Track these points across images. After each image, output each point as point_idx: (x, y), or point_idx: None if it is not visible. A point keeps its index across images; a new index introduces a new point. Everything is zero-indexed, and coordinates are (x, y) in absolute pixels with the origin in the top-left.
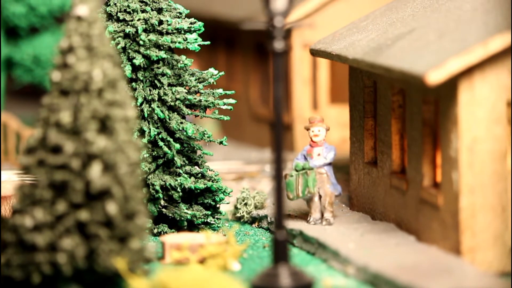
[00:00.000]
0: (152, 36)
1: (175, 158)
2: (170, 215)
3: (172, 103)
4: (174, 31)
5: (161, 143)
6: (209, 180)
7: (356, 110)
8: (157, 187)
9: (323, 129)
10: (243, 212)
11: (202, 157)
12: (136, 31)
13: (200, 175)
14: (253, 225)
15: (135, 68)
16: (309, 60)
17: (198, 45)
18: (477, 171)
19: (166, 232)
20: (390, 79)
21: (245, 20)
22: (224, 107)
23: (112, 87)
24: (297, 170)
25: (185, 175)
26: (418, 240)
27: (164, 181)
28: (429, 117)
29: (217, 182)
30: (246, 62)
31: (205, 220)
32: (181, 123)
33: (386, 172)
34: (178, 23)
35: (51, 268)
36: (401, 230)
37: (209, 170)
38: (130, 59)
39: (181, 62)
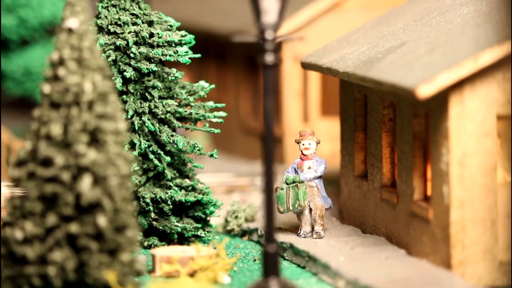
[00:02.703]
0: (143, 49)
1: (166, 171)
2: (160, 228)
3: (163, 116)
4: (165, 44)
5: (151, 156)
6: (199, 193)
7: (347, 123)
8: (148, 200)
9: (314, 142)
10: (233, 225)
11: (192, 170)
12: (127, 44)
13: (190, 188)
14: (244, 238)
15: (126, 81)
16: (300, 73)
17: (189, 58)
18: (467, 185)
19: (156, 245)
20: (381, 92)
21: (236, 33)
22: (215, 120)
23: (102, 100)
24: (287, 183)
25: (176, 188)
26: (409, 253)
27: (155, 194)
28: (420, 130)
29: (207, 195)
30: (236, 75)
31: (196, 233)
32: (172, 136)
33: (376, 186)
34: (169, 36)
35: (41, 280)
36: (392, 243)
37: (200, 183)
38: (121, 72)
39: (171, 74)
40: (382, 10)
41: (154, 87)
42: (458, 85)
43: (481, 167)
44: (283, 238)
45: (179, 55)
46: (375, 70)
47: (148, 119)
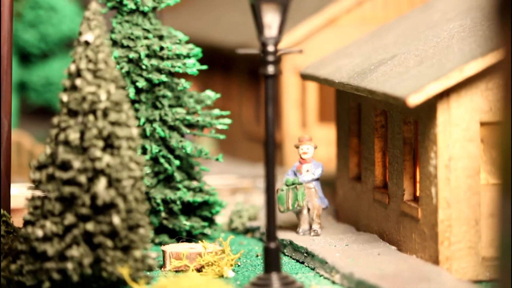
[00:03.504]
0: (154, 61)
1: (175, 174)
2: (170, 226)
3: (172, 123)
4: (174, 57)
5: (162, 160)
6: (206, 194)
7: (342, 130)
8: (158, 201)
9: (312, 147)
10: (237, 224)
11: (199, 173)
12: (139, 57)
13: (198, 189)
14: (247, 236)
15: (138, 91)
16: (299, 83)
17: (197, 69)
18: (453, 187)
19: (166, 242)
20: (373, 101)
21: (240, 46)
22: (220, 126)
23: (116, 108)
24: (287, 185)
25: (184, 189)
26: (399, 250)
27: (165, 195)
28: (409, 136)
29: (213, 196)
30: (240, 85)
31: (203, 231)
32: (181, 141)
33: (369, 187)
34: (178, 49)
35: (60, 275)
36: (384, 240)
37: (206, 184)
38: (133, 82)
39: (180, 85)
40: (375, 25)
41: (164, 96)
42: (445, 95)
43: (466, 170)
44: (283, 235)
45: (187, 67)
46: (368, 81)
47: (159, 126)
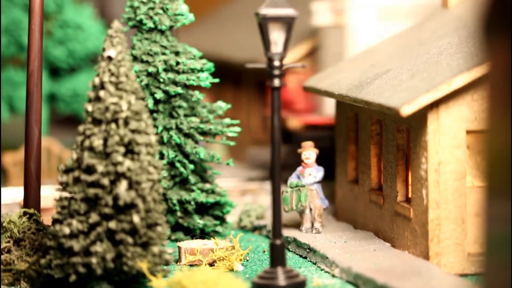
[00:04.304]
0: (171, 75)
1: (190, 177)
2: (185, 224)
3: (187, 131)
4: (189, 71)
5: (178, 164)
6: (218, 195)
7: (341, 137)
8: (175, 201)
9: (314, 153)
10: (246, 222)
11: (212, 176)
12: (157, 71)
13: (210, 191)
14: (255, 233)
15: (156, 101)
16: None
17: (209, 82)
18: (442, 189)
19: (182, 239)
20: (370, 111)
21: (248, 61)
22: (231, 134)
23: (136, 117)
24: (291, 187)
25: (198, 191)
26: (393, 246)
27: (180, 196)
28: (402, 143)
29: (224, 197)
30: (249, 96)
31: (215, 229)
32: (195, 147)
33: (366, 189)
34: (192, 64)
35: (85, 269)
36: (379, 238)
37: (218, 186)
38: (152, 94)
39: (194, 96)
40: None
41: (180, 107)
42: (435, 105)
43: (454, 174)
44: (287, 233)
45: (201, 80)
46: (365, 93)
47: (175, 134)
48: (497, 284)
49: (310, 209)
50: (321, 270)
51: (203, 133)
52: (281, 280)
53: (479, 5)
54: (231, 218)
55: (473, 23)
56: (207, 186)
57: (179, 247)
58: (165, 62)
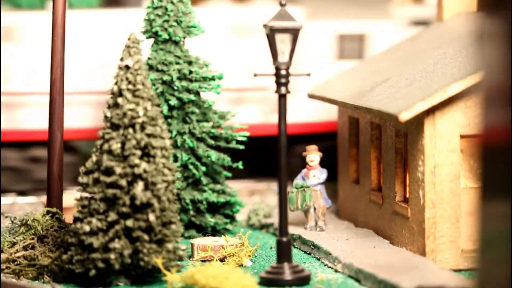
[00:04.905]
0: (184, 83)
1: (202, 178)
2: (197, 222)
3: (200, 135)
4: (201, 79)
5: (190, 167)
6: (228, 195)
7: (343, 141)
8: (188, 201)
9: (317, 156)
10: (254, 220)
11: (222, 177)
12: (172, 79)
13: (221, 191)
14: (262, 231)
15: (171, 108)
16: None
17: (220, 90)
18: (437, 190)
19: (194, 236)
20: (370, 117)
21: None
22: (240, 138)
23: (152, 122)
24: (297, 188)
25: (210, 191)
26: (392, 243)
27: (193, 196)
28: (400, 147)
29: (234, 197)
30: None
31: (225, 227)
32: (207, 151)
33: (366, 190)
34: (204, 72)
35: (104, 264)
36: (378, 235)
37: (228, 187)
38: (166, 101)
39: (206, 103)
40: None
41: (192, 113)
42: (431, 112)
43: (448, 176)
44: (293, 230)
45: (212, 87)
46: (365, 100)
47: (188, 138)
48: (490, 278)
49: (314, 209)
50: (325, 265)
51: (215, 137)
52: (287, 274)
53: (476, 17)
54: (240, 216)
55: (466, 35)
56: (218, 186)
57: (192, 244)
58: (179, 71)
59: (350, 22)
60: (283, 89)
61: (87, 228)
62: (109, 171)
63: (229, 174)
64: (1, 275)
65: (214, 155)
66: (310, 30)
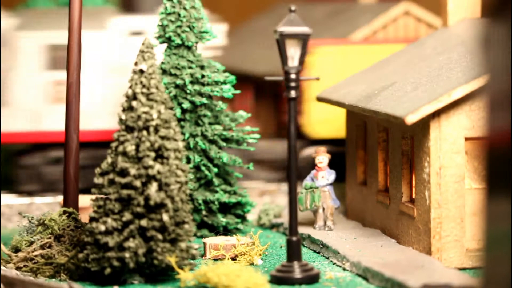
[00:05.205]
0: (196, 87)
1: (214, 179)
2: (210, 222)
3: (211, 138)
4: (213, 83)
5: (203, 168)
6: (239, 196)
7: (351, 143)
8: (200, 201)
9: (326, 158)
10: (265, 220)
11: (234, 178)
12: (184, 83)
13: (232, 192)
14: (273, 230)
15: (184, 111)
16: None
17: (231, 93)
18: (443, 190)
19: (206, 235)
20: (377, 120)
21: (267, 75)
22: (251, 140)
23: (166, 125)
24: (306, 189)
25: (221, 192)
26: (398, 242)
27: (205, 197)
28: (407, 149)
29: (245, 197)
30: (268, 106)
31: (236, 226)
32: (218, 152)
33: (373, 190)
34: (216, 76)
35: (119, 262)
36: (385, 235)
37: (239, 188)
38: (179, 104)
39: (218, 106)
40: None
41: (205, 116)
42: (436, 115)
43: (453, 177)
44: (303, 230)
45: (223, 91)
46: (372, 103)
47: (200, 140)
48: (494, 276)
49: (323, 209)
50: (333, 264)
51: (226, 139)
52: (297, 273)
53: (479, 23)
54: (251, 216)
55: (470, 40)
56: (230, 187)
57: (204, 243)
58: (192, 75)
59: (61, 33)
60: (293, 93)
61: (102, 227)
62: (124, 172)
63: (240, 175)
64: (19, 273)
65: (225, 156)
66: (22, 39)
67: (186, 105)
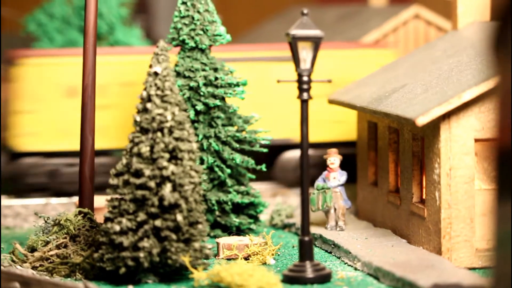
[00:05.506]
0: (210, 89)
1: (227, 180)
2: (223, 222)
3: (225, 139)
4: (226, 85)
5: (216, 169)
6: (252, 196)
7: (362, 145)
8: (213, 202)
9: (338, 159)
10: (277, 221)
11: (247, 179)
12: (198, 85)
13: (245, 192)
14: (285, 230)
15: (197, 113)
16: None
17: (244, 95)
18: (453, 191)
19: (220, 235)
20: (388, 121)
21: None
22: (263, 142)
23: (180, 127)
24: (318, 190)
25: (234, 193)
26: (409, 242)
27: (219, 197)
28: (417, 150)
29: (258, 198)
30: None
31: (249, 227)
32: (232, 153)
33: (384, 191)
34: (229, 79)
35: (133, 262)
36: (396, 235)
37: (252, 189)
38: (193, 106)
39: (231, 108)
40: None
41: (218, 117)
42: (446, 116)
43: (463, 178)
44: (314, 230)
45: (236, 93)
46: (383, 105)
47: (214, 141)
48: (503, 275)
49: (335, 209)
50: (345, 263)
51: (239, 140)
52: (309, 272)
53: (489, 26)
54: (264, 217)
55: (480, 43)
56: (242, 188)
57: (217, 243)
58: (205, 77)
59: None
60: (305, 95)
61: (117, 227)
62: (138, 173)
63: (253, 176)
64: (35, 272)
65: (238, 157)
66: None
67: (199, 107)
